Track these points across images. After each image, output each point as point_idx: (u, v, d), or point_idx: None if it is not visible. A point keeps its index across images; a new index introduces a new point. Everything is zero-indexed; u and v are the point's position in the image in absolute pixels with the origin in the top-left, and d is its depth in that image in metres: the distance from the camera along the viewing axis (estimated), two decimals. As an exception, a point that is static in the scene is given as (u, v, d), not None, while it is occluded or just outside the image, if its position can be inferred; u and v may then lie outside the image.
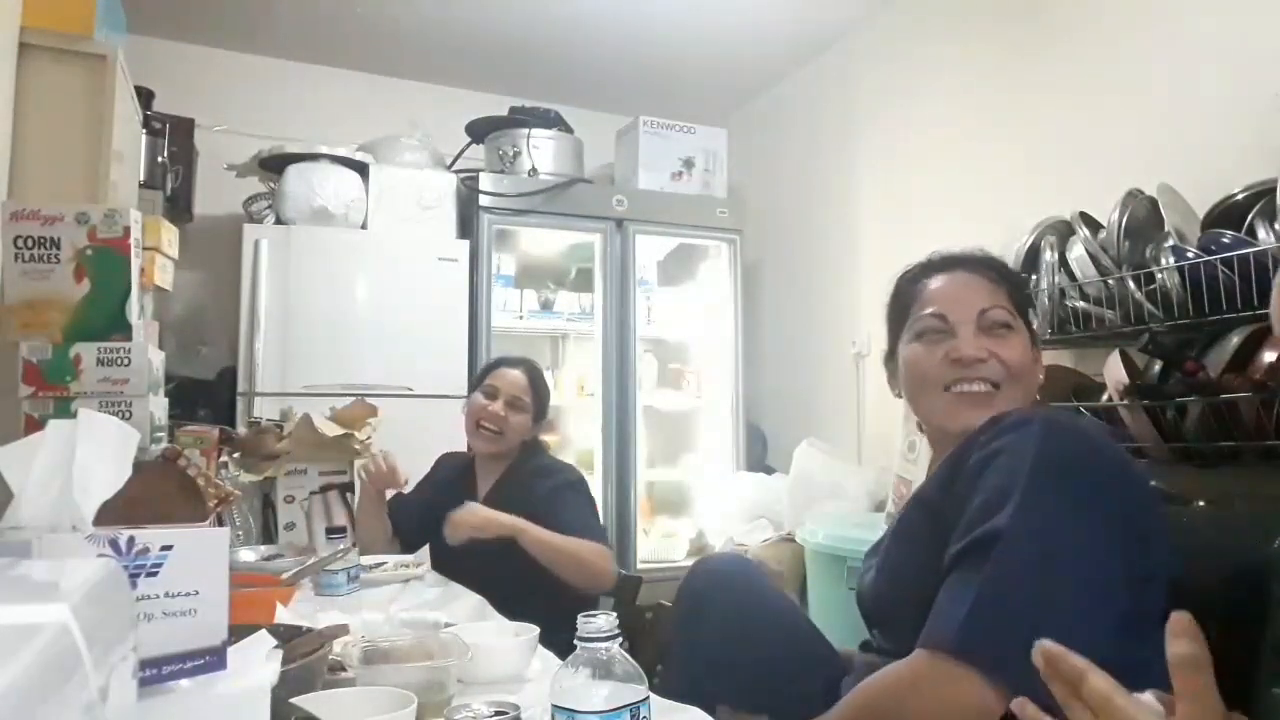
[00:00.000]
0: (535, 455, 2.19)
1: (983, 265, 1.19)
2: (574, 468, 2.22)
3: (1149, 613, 0.86)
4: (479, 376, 2.21)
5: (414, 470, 2.28)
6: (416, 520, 2.13)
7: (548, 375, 3.53)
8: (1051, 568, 0.86)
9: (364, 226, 3.09)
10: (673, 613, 1.31)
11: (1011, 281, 1.19)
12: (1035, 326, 1.24)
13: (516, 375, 2.15)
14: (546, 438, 3.51)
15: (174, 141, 2.96)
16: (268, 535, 2.21)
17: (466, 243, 3.21)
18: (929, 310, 1.15)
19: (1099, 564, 0.87)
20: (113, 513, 0.64)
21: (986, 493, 0.93)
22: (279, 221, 3.04)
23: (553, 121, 3.45)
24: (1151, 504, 0.97)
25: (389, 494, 2.20)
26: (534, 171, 3.29)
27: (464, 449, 2.27)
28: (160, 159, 2.88)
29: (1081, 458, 0.93)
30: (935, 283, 1.18)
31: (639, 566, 3.22)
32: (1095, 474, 0.93)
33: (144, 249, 1.63)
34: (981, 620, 0.85)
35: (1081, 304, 1.96)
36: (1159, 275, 1.78)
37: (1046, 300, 2.03)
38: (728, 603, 1.23)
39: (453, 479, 2.22)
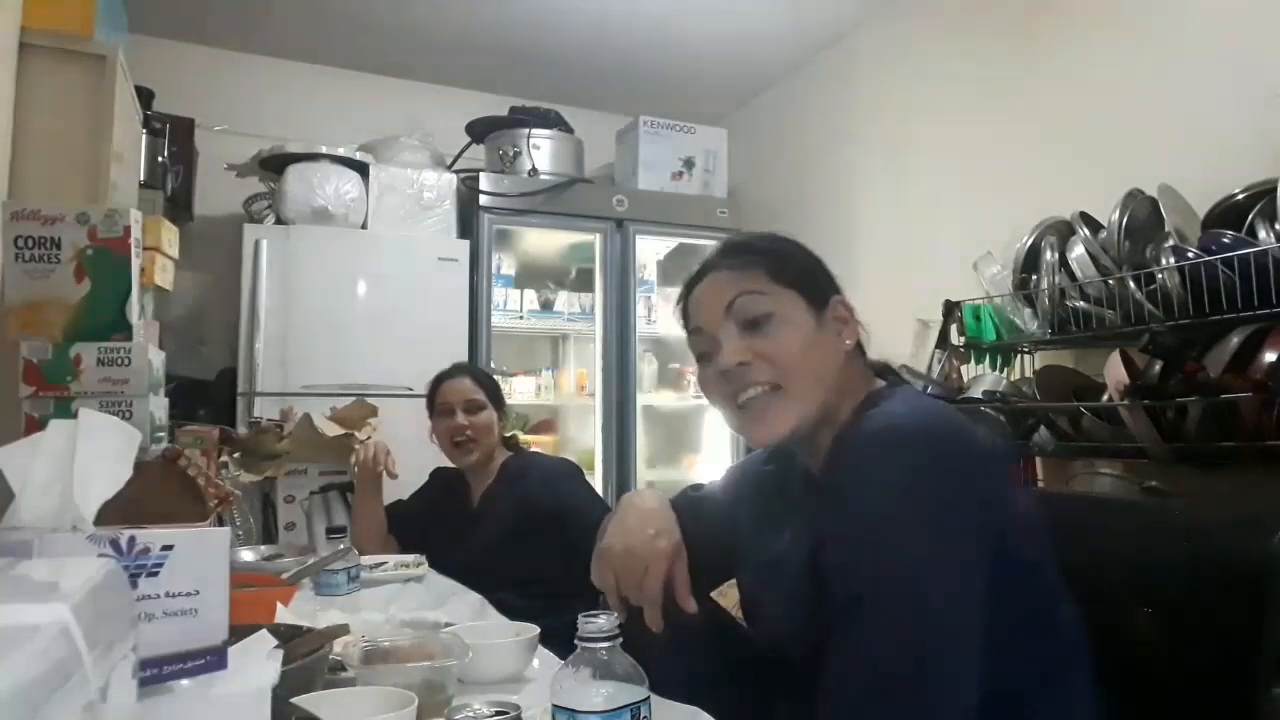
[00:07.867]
0: (518, 453, 2.22)
1: (730, 253, 1.06)
2: (564, 460, 2.25)
3: (1032, 613, 0.86)
4: (428, 402, 2.21)
5: (412, 470, 2.28)
6: (416, 533, 2.14)
7: (548, 375, 3.58)
8: (924, 621, 0.79)
9: (364, 226, 3.09)
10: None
11: (768, 253, 1.05)
12: (828, 294, 1.09)
13: (459, 382, 2.17)
14: (545, 437, 3.54)
15: (174, 141, 2.96)
16: (268, 535, 2.21)
17: (466, 243, 3.21)
18: (690, 328, 1.06)
19: (969, 600, 0.81)
20: (113, 513, 0.64)
21: (841, 544, 0.85)
22: (279, 221, 3.04)
23: (553, 121, 3.45)
24: (1009, 493, 0.90)
25: (386, 488, 2.21)
26: (534, 171, 3.29)
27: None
28: (160, 159, 2.88)
29: (929, 475, 0.83)
30: (693, 296, 1.07)
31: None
32: (948, 489, 0.83)
33: (144, 249, 1.63)
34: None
35: (1082, 304, 1.96)
36: (1159, 275, 1.78)
37: (1047, 300, 2.03)
38: None
39: (447, 492, 2.24)
